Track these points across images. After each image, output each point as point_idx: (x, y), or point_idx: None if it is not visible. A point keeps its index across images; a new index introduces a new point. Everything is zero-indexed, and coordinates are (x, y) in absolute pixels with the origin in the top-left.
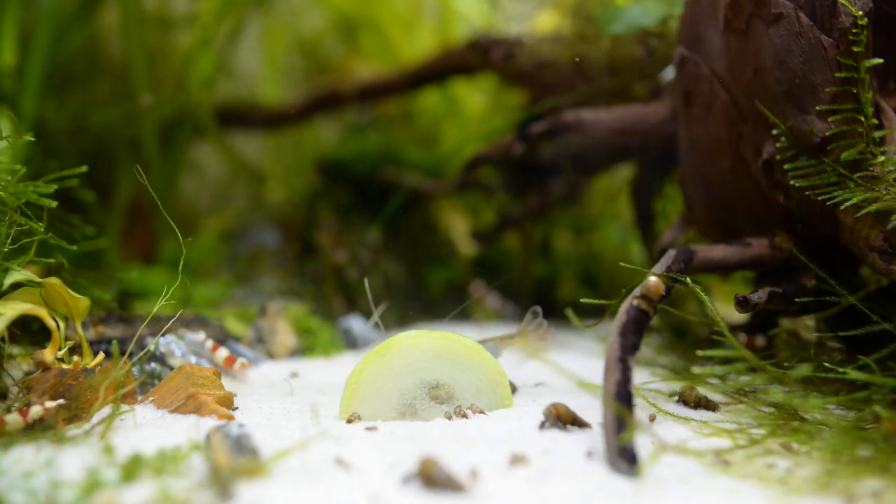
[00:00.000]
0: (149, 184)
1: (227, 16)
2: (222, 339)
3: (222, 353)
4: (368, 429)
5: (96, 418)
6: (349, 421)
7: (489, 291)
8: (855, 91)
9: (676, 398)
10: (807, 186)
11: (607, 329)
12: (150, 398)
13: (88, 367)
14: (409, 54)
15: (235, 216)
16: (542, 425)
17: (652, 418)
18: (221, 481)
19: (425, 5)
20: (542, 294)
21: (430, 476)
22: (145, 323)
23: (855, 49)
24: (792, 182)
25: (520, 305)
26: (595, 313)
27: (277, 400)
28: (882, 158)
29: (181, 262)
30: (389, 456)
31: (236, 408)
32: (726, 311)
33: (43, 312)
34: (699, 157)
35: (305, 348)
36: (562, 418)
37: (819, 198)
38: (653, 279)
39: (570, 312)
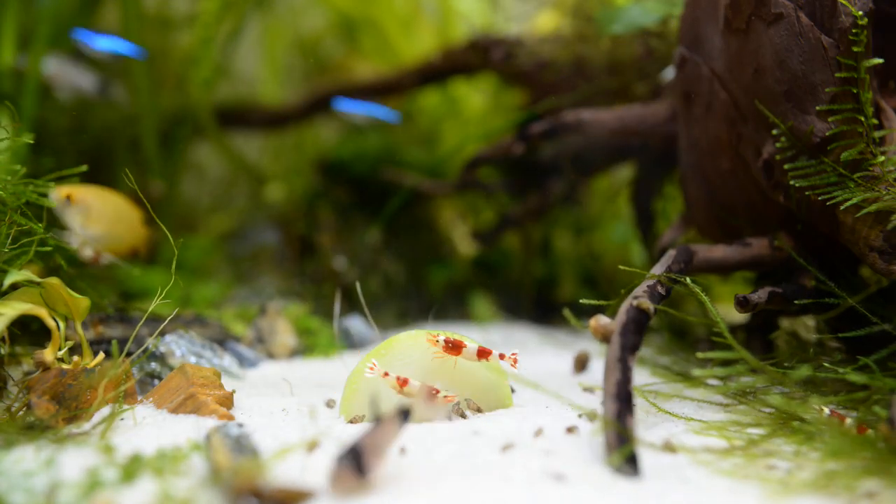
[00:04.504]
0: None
1: (227, 16)
2: (222, 338)
3: None
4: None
5: (96, 418)
6: (352, 422)
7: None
8: (855, 91)
9: None
10: (807, 186)
11: None
12: (150, 398)
13: (88, 367)
14: (409, 54)
15: (235, 216)
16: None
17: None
18: (222, 481)
19: (425, 5)
20: (542, 294)
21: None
22: (141, 323)
23: (855, 49)
24: (792, 182)
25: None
26: (595, 313)
27: (277, 400)
28: (882, 158)
29: (173, 264)
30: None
31: (236, 408)
32: (726, 311)
33: (43, 312)
34: (699, 157)
35: (305, 348)
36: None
37: (819, 198)
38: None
39: (567, 313)
